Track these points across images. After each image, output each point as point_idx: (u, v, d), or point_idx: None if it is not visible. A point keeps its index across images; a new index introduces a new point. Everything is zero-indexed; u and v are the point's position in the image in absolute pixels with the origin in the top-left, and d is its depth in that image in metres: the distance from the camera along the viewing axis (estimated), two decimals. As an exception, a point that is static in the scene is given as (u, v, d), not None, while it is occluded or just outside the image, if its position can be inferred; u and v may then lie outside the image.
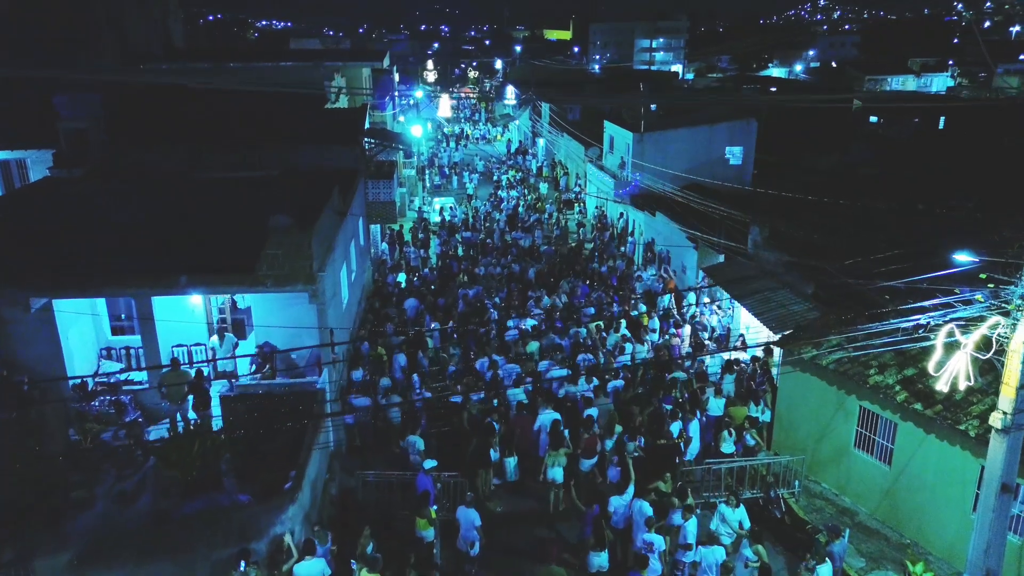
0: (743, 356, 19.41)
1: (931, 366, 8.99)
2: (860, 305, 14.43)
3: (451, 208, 35.71)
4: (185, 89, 27.82)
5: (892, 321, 10.70)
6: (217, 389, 15.87)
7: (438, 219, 34.15)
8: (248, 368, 15.56)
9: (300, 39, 68.74)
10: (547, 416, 14.47)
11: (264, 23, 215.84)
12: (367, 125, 28.63)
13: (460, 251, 28.73)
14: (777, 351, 16.60)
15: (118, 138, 22.45)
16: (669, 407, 15.32)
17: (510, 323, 18.98)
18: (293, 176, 20.51)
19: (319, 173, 20.78)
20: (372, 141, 25.76)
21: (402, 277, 25.28)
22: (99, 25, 34.05)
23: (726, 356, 19.49)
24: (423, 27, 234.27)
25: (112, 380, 14.61)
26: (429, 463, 12.53)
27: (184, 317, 15.82)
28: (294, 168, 21.49)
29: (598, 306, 21.06)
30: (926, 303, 9.80)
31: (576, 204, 37.69)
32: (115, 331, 16.10)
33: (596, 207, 35.23)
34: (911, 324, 10.06)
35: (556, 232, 32.31)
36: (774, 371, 17.60)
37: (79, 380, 13.63)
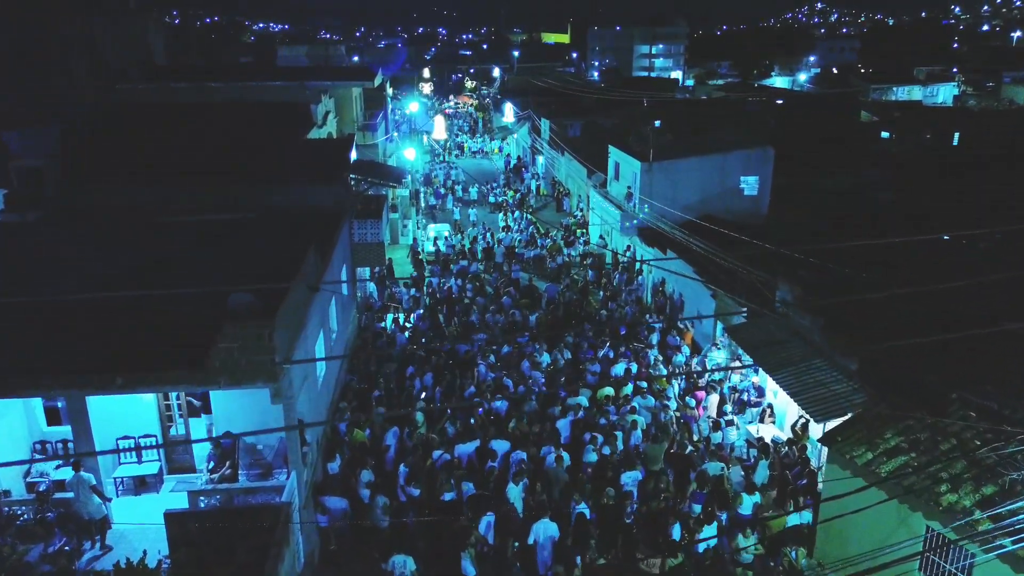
0: (775, 432, 17.27)
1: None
2: (919, 396, 12.34)
3: (447, 237, 33.58)
4: (156, 114, 25.63)
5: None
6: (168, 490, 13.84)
7: (432, 248, 32.08)
8: (206, 465, 13.40)
9: (293, 45, 66.48)
10: (543, 528, 12.29)
11: (260, 26, 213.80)
12: (356, 156, 26.42)
13: (455, 286, 26.50)
14: (815, 439, 14.44)
15: (79, 175, 20.29)
16: (700, 508, 13.22)
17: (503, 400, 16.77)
18: (270, 219, 18.49)
19: (299, 215, 18.85)
20: (359, 177, 23.51)
21: (388, 319, 23.19)
22: (71, 44, 31.78)
23: (753, 429, 17.39)
24: (420, 29, 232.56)
25: (43, 487, 12.42)
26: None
27: (129, 402, 13.65)
28: (271, 209, 19.52)
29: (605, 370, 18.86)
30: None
31: (580, 231, 35.47)
32: (51, 417, 13.89)
33: (600, 236, 33.12)
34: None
35: (558, 263, 30.14)
36: (810, 454, 15.49)
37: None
